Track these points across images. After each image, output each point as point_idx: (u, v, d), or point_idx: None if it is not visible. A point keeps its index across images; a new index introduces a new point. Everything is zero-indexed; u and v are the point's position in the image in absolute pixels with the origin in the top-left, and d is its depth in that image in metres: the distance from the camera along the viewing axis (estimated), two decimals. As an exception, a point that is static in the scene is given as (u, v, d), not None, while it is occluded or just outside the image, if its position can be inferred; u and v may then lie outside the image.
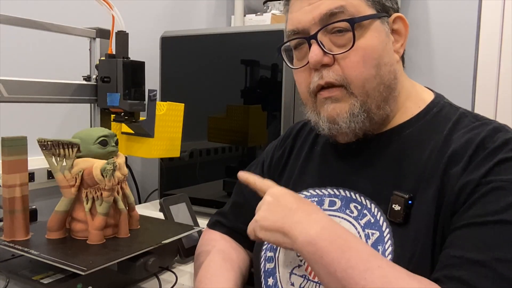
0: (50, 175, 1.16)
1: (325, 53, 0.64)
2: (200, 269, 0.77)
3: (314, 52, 0.64)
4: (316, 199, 0.72)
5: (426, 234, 0.59)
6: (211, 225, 0.89)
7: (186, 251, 0.95)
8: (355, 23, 0.63)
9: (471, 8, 1.66)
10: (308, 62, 0.66)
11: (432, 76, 1.75)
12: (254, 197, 0.81)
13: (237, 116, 1.23)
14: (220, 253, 0.79)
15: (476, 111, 1.67)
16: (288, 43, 0.70)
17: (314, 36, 0.64)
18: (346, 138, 0.69)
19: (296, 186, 0.76)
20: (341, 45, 0.64)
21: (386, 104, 0.67)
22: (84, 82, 0.93)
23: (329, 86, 0.65)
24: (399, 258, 0.59)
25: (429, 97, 0.71)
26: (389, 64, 0.66)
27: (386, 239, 0.62)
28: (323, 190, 0.72)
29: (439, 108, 0.69)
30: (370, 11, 0.65)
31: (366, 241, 0.64)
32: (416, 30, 1.77)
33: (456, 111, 0.68)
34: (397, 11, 0.69)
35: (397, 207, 0.61)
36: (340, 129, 0.66)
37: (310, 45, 0.65)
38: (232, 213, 0.87)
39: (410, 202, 0.61)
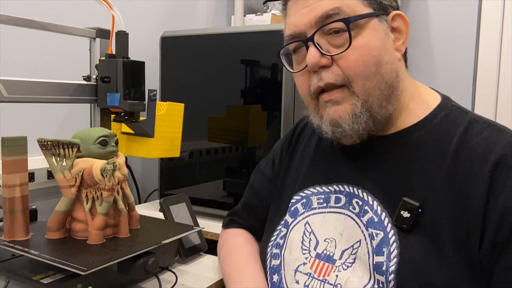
0: (50, 175, 1.16)
1: (322, 54, 0.64)
2: (227, 266, 0.80)
3: (312, 54, 0.64)
4: (323, 196, 0.72)
5: (435, 243, 0.59)
6: (226, 225, 0.93)
7: (186, 251, 0.95)
8: (351, 23, 0.62)
9: (471, 8, 1.66)
10: (307, 65, 0.65)
11: (432, 76, 1.76)
12: (270, 197, 0.83)
13: (237, 116, 1.22)
14: (242, 248, 0.82)
15: (476, 111, 1.67)
16: (287, 47, 0.70)
17: (311, 39, 0.64)
18: (350, 140, 0.68)
19: (303, 183, 0.76)
20: (338, 45, 0.64)
21: (389, 103, 0.66)
22: (84, 82, 0.93)
23: (329, 88, 0.65)
24: (405, 263, 0.59)
25: (434, 99, 0.70)
26: (390, 62, 0.65)
27: (391, 242, 0.62)
28: (329, 187, 0.72)
29: (447, 112, 0.68)
30: (366, 10, 0.64)
31: (371, 242, 0.63)
32: (416, 30, 1.77)
33: (465, 116, 0.67)
34: (397, 9, 0.68)
35: (406, 214, 0.61)
36: (343, 132, 0.66)
37: (307, 48, 0.65)
38: (245, 212, 0.90)
39: (420, 210, 0.61)
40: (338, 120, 0.65)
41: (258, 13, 1.65)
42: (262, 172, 0.89)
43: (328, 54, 0.64)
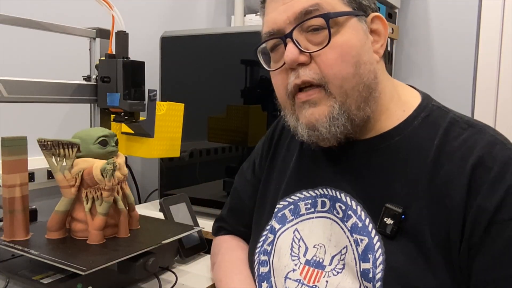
0: (50, 175, 1.16)
1: (301, 51, 0.62)
2: (218, 272, 0.81)
3: (290, 51, 0.62)
4: (310, 201, 0.71)
5: (419, 249, 0.58)
6: (215, 233, 0.93)
7: (186, 251, 0.96)
8: (330, 19, 0.61)
9: (471, 8, 1.67)
10: (284, 63, 0.64)
11: (432, 76, 1.76)
12: (252, 201, 0.83)
13: (237, 116, 1.23)
14: (233, 254, 0.82)
15: (476, 111, 1.68)
16: (264, 46, 0.68)
17: (289, 35, 0.63)
18: (328, 143, 0.66)
19: (290, 188, 0.75)
20: (318, 43, 0.62)
21: (367, 105, 0.64)
22: (84, 82, 0.93)
23: (306, 86, 0.63)
24: (391, 270, 0.59)
25: (414, 99, 0.69)
26: (369, 63, 0.64)
27: (376, 248, 0.61)
28: (315, 191, 0.71)
29: (428, 113, 0.66)
30: (346, 9, 0.63)
31: (356, 248, 0.63)
32: (416, 30, 1.77)
33: (445, 116, 0.65)
34: (376, 11, 0.67)
35: (389, 221, 0.60)
36: (320, 135, 0.64)
37: (286, 45, 0.63)
38: (231, 218, 0.90)
39: (403, 216, 0.60)
40: (315, 123, 0.63)
41: (258, 13, 1.65)
42: (245, 176, 0.88)
43: (307, 51, 0.62)
